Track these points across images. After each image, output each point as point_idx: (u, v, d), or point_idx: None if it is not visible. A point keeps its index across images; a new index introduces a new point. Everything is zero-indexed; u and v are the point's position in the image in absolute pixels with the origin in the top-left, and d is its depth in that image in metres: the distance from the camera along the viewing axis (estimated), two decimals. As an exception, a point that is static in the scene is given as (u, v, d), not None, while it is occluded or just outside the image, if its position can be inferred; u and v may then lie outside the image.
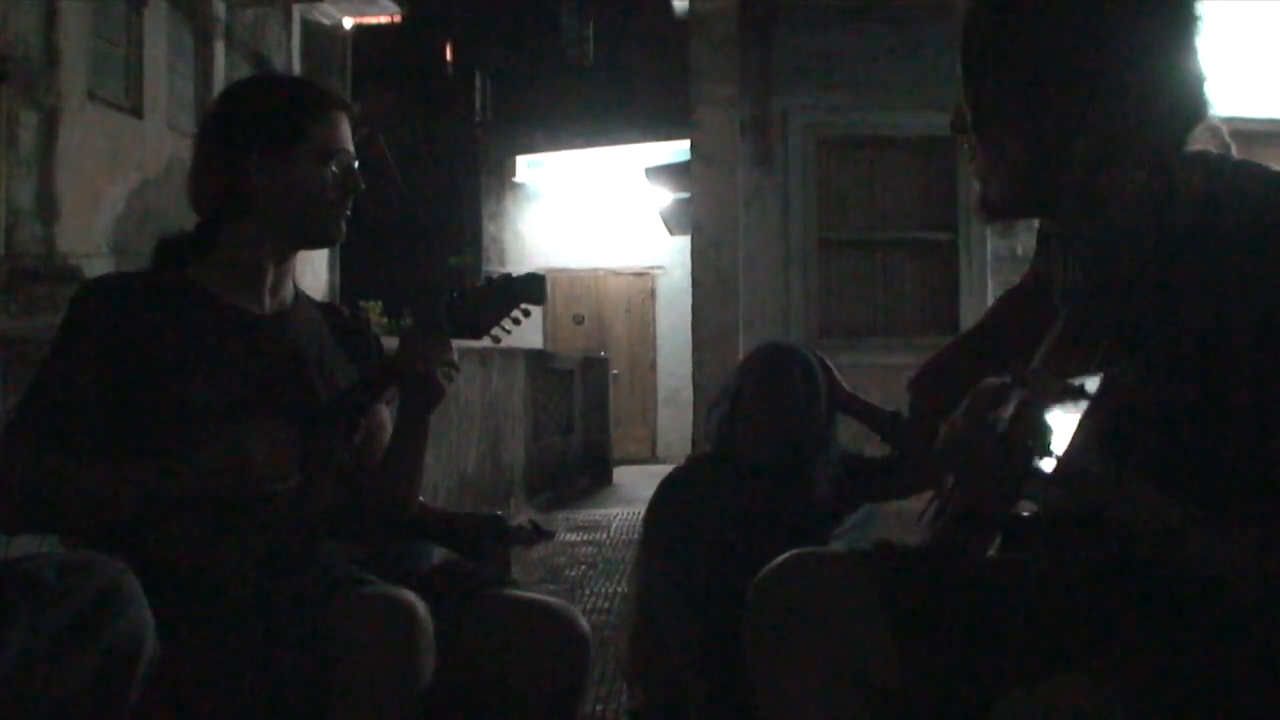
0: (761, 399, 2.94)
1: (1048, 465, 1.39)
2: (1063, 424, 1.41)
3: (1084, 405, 1.39)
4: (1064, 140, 1.57)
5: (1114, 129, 1.56)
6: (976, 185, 1.69)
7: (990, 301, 9.55)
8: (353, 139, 2.37)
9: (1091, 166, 1.58)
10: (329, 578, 2.06)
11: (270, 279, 2.34)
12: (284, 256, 2.35)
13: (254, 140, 2.28)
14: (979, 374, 1.65)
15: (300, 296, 2.44)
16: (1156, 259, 1.56)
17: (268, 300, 2.34)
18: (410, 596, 1.97)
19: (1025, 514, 1.60)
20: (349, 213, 2.36)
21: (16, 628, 1.62)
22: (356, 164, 2.35)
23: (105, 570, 1.73)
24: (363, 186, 2.35)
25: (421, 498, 2.48)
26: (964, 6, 1.66)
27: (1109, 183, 1.59)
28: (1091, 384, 1.39)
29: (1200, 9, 1.57)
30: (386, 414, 2.38)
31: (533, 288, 2.30)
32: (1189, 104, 1.58)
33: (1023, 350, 1.72)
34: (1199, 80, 1.58)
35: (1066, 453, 1.38)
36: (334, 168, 2.30)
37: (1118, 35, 1.54)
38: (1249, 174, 1.57)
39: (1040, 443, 1.41)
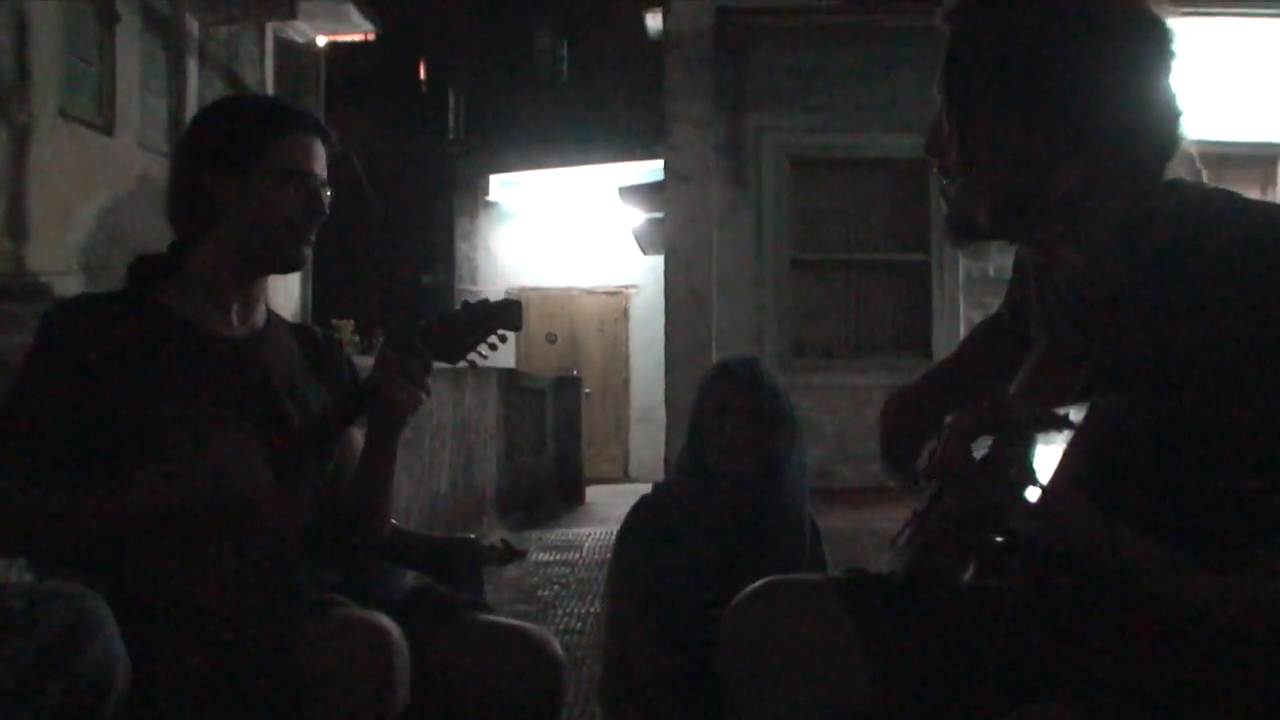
0: (727, 412, 2.93)
1: (1032, 494, 1.39)
2: (1046, 454, 1.41)
3: (1067, 434, 1.38)
4: (1050, 167, 1.58)
5: (1097, 157, 1.57)
6: (945, 208, 1.69)
7: (963, 322, 9.65)
8: (325, 164, 2.34)
9: (1073, 194, 1.59)
10: (303, 602, 2.04)
11: (238, 301, 2.32)
12: (249, 279, 2.33)
13: (215, 158, 2.27)
14: (951, 404, 1.65)
15: (272, 318, 2.42)
16: (1134, 286, 1.57)
17: (237, 322, 2.32)
18: (385, 620, 1.96)
19: (1000, 540, 1.60)
20: (312, 238, 2.32)
21: None
22: (327, 191, 2.32)
23: (74, 599, 1.72)
24: (326, 212, 2.31)
25: (394, 520, 2.47)
26: (947, 30, 1.66)
27: (1090, 211, 1.60)
28: (1075, 414, 1.39)
29: (1176, 44, 1.59)
30: (359, 437, 2.37)
31: (509, 313, 2.29)
32: (1166, 134, 1.60)
33: (997, 381, 1.73)
34: (1175, 112, 1.60)
35: (1050, 485, 1.38)
36: (295, 189, 2.27)
37: (1103, 66, 1.56)
38: (1221, 201, 1.58)
39: (1023, 471, 1.41)
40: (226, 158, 2.27)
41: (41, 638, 1.65)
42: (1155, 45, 1.59)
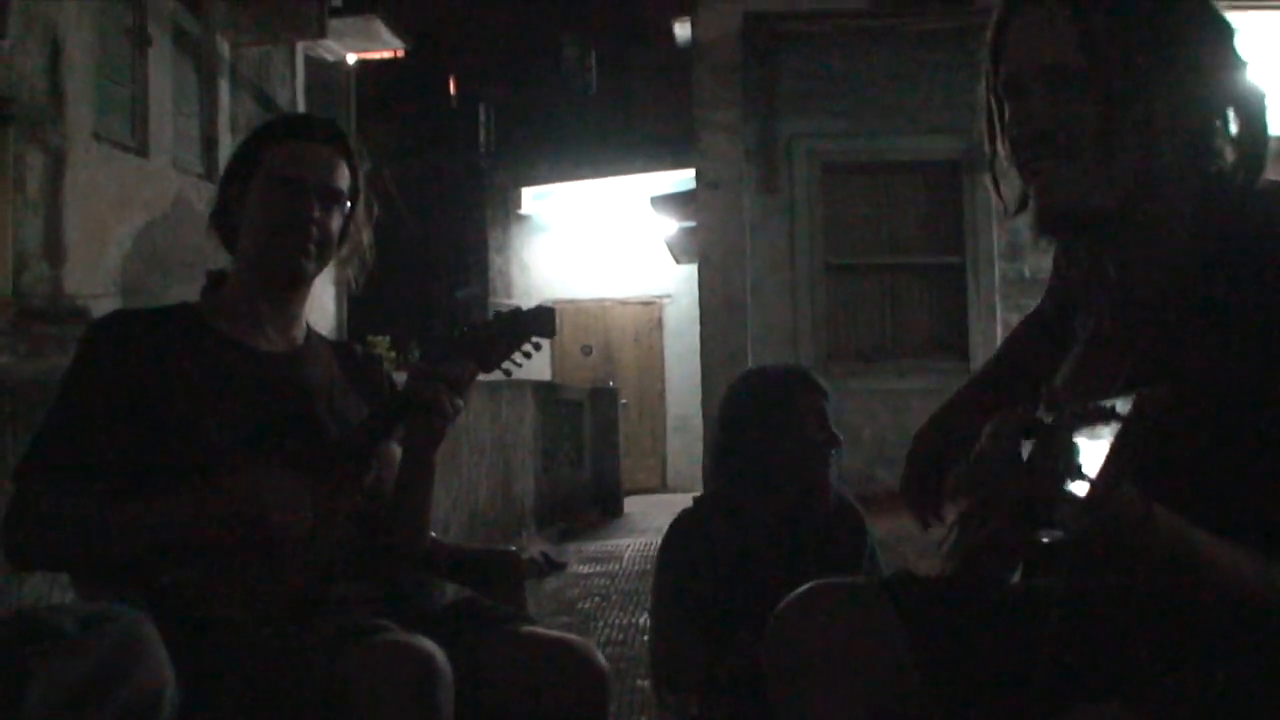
0: (818, 416, 2.88)
1: (1079, 489, 1.36)
2: (1093, 447, 1.38)
3: (1114, 427, 1.36)
4: (1201, 145, 1.57)
5: (1180, 145, 1.56)
6: (1038, 197, 1.63)
7: (1000, 324, 9.60)
8: (339, 172, 2.32)
9: (1163, 182, 1.57)
10: (346, 624, 2.04)
11: (272, 317, 2.32)
12: (271, 293, 2.32)
13: (228, 173, 2.33)
14: (986, 412, 1.62)
15: (311, 335, 2.42)
16: (1188, 280, 1.55)
17: (276, 338, 2.33)
18: (429, 645, 1.95)
19: (1047, 540, 1.58)
20: (311, 249, 2.28)
21: (37, 679, 1.61)
22: (338, 201, 2.30)
23: (125, 620, 1.72)
24: (314, 218, 2.26)
25: (433, 534, 2.46)
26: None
27: (1166, 199, 1.58)
28: (1121, 405, 1.36)
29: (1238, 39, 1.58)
30: (397, 451, 2.36)
31: (542, 320, 2.28)
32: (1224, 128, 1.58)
33: (1040, 380, 1.70)
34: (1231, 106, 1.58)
35: (1098, 478, 1.35)
36: (284, 196, 2.26)
37: (1197, 51, 1.55)
38: (1274, 194, 1.56)
39: (1070, 466, 1.38)
40: (234, 171, 2.32)
41: (92, 659, 1.65)
42: (1223, 38, 1.58)
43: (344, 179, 2.33)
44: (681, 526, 2.95)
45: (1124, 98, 1.54)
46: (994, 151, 1.72)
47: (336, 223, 2.31)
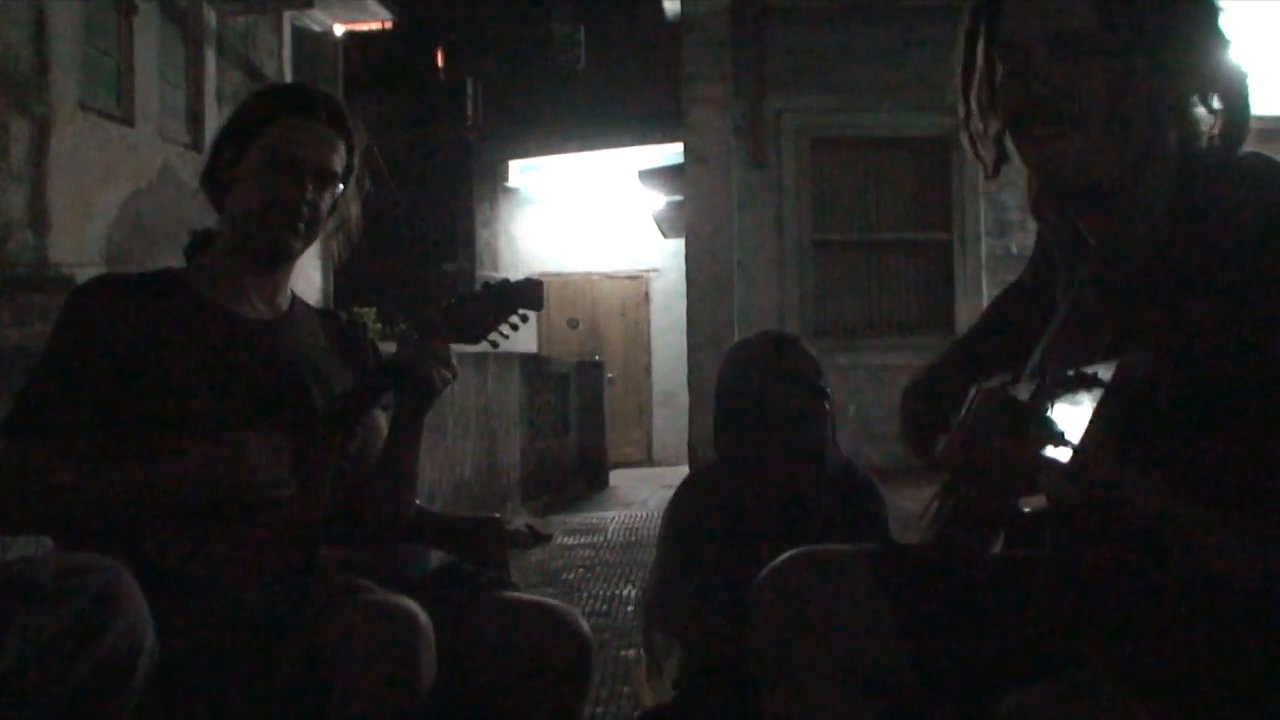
0: (797, 381, 2.88)
1: (1061, 455, 1.37)
2: (1075, 414, 1.38)
3: (1097, 393, 1.36)
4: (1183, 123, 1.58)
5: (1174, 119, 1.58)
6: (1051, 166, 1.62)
7: (986, 300, 9.58)
8: (336, 153, 2.31)
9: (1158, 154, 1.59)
10: (329, 586, 2.04)
11: (256, 285, 2.32)
12: (253, 264, 2.31)
13: (224, 139, 2.31)
14: (974, 377, 1.63)
15: (297, 303, 2.42)
16: (1168, 251, 1.55)
17: (261, 305, 2.32)
18: (410, 604, 1.96)
19: (1028, 510, 1.59)
20: (301, 228, 2.27)
21: (13, 631, 1.62)
22: (333, 183, 2.30)
23: (103, 572, 1.72)
24: (306, 199, 2.25)
25: (419, 502, 2.47)
26: None
27: (1153, 171, 1.59)
28: (1104, 371, 1.36)
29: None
30: (382, 419, 2.36)
31: (530, 293, 2.29)
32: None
33: (1022, 348, 1.71)
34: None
35: (1080, 444, 1.36)
36: (281, 174, 2.25)
37: (1190, 26, 1.57)
38: (1257, 166, 1.57)
39: (1051, 433, 1.39)
40: (231, 139, 2.30)
41: (69, 611, 1.66)
42: (1212, 15, 1.60)
43: (340, 160, 2.32)
44: (691, 488, 2.98)
45: (1137, 67, 1.54)
46: (968, 110, 1.71)
47: (328, 202, 2.31)
